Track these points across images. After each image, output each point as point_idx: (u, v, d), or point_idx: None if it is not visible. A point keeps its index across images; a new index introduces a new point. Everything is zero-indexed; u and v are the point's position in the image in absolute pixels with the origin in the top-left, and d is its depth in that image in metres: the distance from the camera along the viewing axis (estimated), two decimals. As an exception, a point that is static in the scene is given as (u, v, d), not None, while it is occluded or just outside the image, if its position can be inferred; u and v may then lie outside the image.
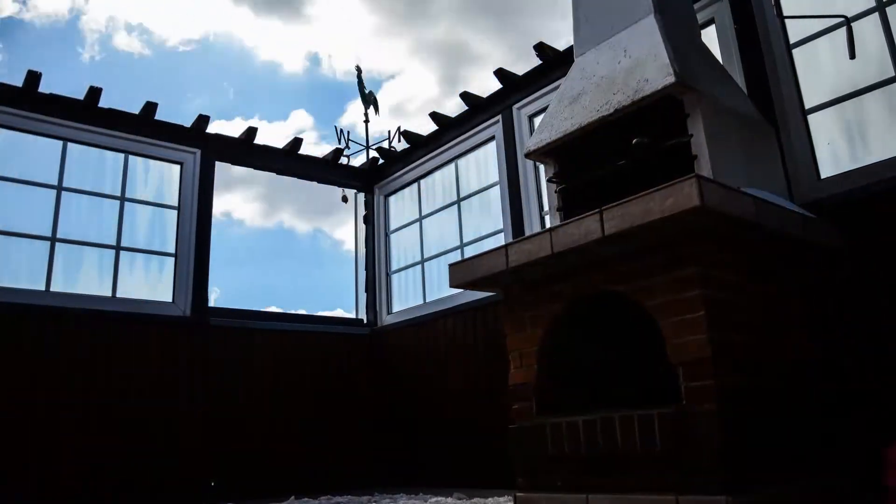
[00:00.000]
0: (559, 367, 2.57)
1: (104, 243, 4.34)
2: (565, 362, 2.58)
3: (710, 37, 3.30)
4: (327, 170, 5.44)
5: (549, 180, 2.94)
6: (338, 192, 5.50)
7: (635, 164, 2.56)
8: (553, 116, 2.93)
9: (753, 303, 2.22)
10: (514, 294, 2.71)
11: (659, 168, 2.45)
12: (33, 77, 4.12)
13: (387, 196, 5.55)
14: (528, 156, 3.02)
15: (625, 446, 2.13)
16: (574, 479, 2.30)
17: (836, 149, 2.90)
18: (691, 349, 2.03)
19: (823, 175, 2.84)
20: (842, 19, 2.70)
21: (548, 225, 4.07)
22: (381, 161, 5.53)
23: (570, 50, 3.86)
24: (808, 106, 2.94)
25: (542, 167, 4.09)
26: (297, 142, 5.20)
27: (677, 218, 1.98)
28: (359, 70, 5.94)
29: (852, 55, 2.56)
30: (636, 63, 2.64)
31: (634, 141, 2.51)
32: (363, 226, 5.59)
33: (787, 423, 2.15)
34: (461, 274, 2.79)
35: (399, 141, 5.34)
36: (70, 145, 4.32)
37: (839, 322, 2.54)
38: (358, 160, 5.72)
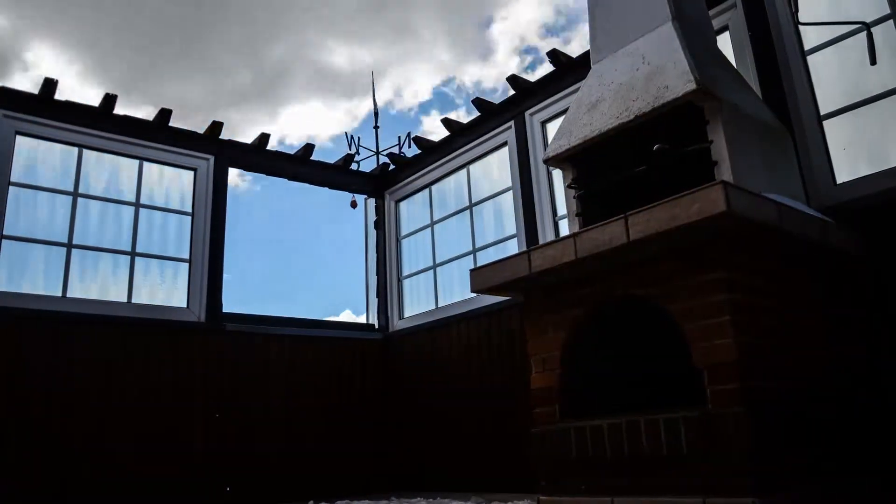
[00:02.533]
0: (581, 371, 2.59)
1: (119, 249, 4.37)
2: (588, 366, 2.60)
3: (724, 43, 3.33)
4: (338, 175, 5.48)
5: (567, 186, 2.96)
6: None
7: (655, 170, 2.59)
8: (571, 123, 2.96)
9: (776, 306, 2.24)
10: (536, 299, 2.73)
11: (678, 174, 2.48)
12: (49, 84, 4.15)
13: (398, 202, 5.57)
14: (546, 162, 3.05)
15: (650, 449, 2.15)
16: (598, 482, 2.32)
17: (851, 154, 2.93)
18: (717, 353, 2.05)
19: (839, 180, 2.87)
20: (860, 25, 2.72)
21: (562, 230, 4.10)
22: (391, 167, 5.56)
23: (583, 56, 3.89)
24: (823, 112, 2.97)
25: (555, 173, 4.12)
26: (308, 148, 5.23)
27: (703, 223, 2.01)
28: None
29: (873, 61, 2.59)
30: (655, 70, 2.67)
31: (655, 147, 2.53)
32: (374, 231, 5.61)
33: (813, 426, 2.17)
34: (482, 279, 2.81)
35: (409, 147, 5.37)
36: (86, 152, 4.36)
37: (859, 326, 2.56)
38: (368, 167, 5.75)
